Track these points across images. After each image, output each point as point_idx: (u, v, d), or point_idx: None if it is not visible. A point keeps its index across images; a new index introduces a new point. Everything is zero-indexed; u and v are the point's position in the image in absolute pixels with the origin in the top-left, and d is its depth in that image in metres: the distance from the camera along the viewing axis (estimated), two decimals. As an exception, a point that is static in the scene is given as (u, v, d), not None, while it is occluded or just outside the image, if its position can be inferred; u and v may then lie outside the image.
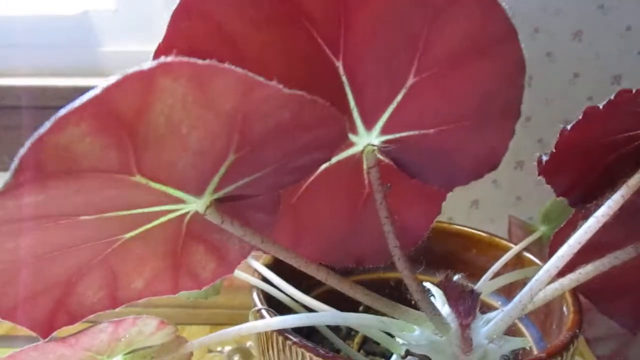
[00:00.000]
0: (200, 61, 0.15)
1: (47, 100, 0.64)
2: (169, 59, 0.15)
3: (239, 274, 0.40)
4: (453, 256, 0.46)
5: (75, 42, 0.69)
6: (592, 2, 0.63)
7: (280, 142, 0.21)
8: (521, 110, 0.24)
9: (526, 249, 0.42)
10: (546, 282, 0.26)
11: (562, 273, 0.30)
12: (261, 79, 0.16)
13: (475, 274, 0.42)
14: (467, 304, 0.25)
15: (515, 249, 0.42)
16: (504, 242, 0.44)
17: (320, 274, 0.27)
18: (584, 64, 0.65)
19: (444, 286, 0.26)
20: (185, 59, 0.15)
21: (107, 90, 0.14)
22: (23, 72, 0.68)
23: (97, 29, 0.69)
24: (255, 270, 0.39)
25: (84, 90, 0.14)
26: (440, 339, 0.28)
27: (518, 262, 0.42)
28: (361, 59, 0.23)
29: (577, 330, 0.32)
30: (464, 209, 0.71)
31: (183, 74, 0.15)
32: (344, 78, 0.24)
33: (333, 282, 0.27)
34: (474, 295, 0.25)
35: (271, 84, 0.16)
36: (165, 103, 0.16)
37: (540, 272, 0.26)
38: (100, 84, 0.14)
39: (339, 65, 0.23)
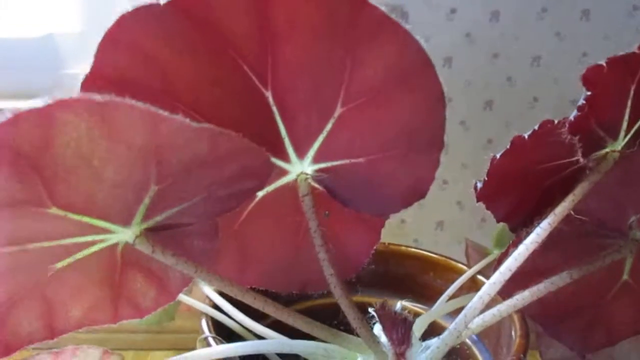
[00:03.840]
0: (98, 97, 0.15)
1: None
2: (66, 97, 0.15)
3: (190, 300, 0.40)
4: (411, 279, 0.46)
5: (40, 65, 0.69)
6: (549, 29, 0.65)
7: (204, 173, 0.21)
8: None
9: (481, 272, 0.43)
10: (480, 309, 0.27)
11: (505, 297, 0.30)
12: (166, 113, 0.16)
13: (433, 297, 0.43)
14: (401, 332, 0.25)
15: (469, 272, 0.42)
16: (460, 265, 0.44)
17: (257, 303, 0.27)
18: (543, 89, 0.67)
19: (379, 314, 0.26)
20: (83, 95, 0.15)
21: (-2, 127, 0.14)
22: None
23: (62, 51, 0.69)
24: (207, 297, 0.38)
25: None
26: (380, 366, 0.28)
27: (473, 285, 0.43)
28: (290, 89, 0.24)
29: (522, 355, 0.32)
30: (429, 231, 0.71)
31: (83, 109, 0.15)
32: (273, 108, 0.24)
33: (270, 310, 0.27)
34: (407, 323, 0.25)
35: (177, 118, 0.17)
36: (70, 136, 0.16)
37: (474, 299, 0.26)
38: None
39: (268, 94, 0.24)
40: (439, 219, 0.71)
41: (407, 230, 0.70)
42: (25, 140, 0.15)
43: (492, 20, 0.64)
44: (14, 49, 0.70)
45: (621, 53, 0.22)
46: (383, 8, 0.20)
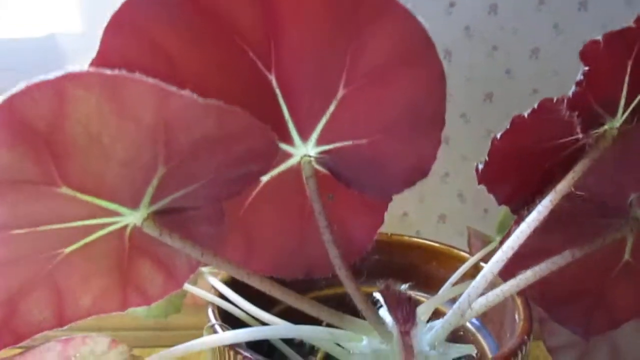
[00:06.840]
0: (108, 71, 0.16)
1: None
2: (77, 69, 0.15)
3: (196, 290, 0.40)
4: (415, 268, 0.46)
5: (42, 66, 0.70)
6: (546, 21, 0.65)
7: (211, 154, 0.22)
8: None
9: (483, 259, 0.43)
10: (483, 287, 0.27)
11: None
12: (174, 88, 0.17)
13: (436, 285, 0.43)
14: (406, 311, 0.25)
15: (471, 260, 0.43)
16: (462, 254, 0.45)
17: (264, 286, 0.27)
18: (542, 80, 0.67)
19: (383, 294, 0.26)
20: (92, 69, 0.15)
21: (12, 99, 0.14)
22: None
23: (64, 52, 0.69)
24: (213, 287, 0.39)
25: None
26: (385, 347, 0.28)
27: (475, 272, 0.43)
28: (293, 72, 0.24)
29: (526, 337, 0.33)
30: (431, 224, 0.72)
31: (94, 83, 0.16)
32: (277, 90, 0.24)
33: (277, 293, 0.28)
34: (412, 302, 0.26)
35: (185, 93, 0.17)
36: (81, 112, 0.17)
37: (477, 279, 0.27)
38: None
39: (272, 78, 0.24)
40: (440, 212, 0.71)
41: (409, 223, 0.70)
42: (38, 114, 0.16)
43: (490, 13, 0.65)
44: (15, 50, 0.71)
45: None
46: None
